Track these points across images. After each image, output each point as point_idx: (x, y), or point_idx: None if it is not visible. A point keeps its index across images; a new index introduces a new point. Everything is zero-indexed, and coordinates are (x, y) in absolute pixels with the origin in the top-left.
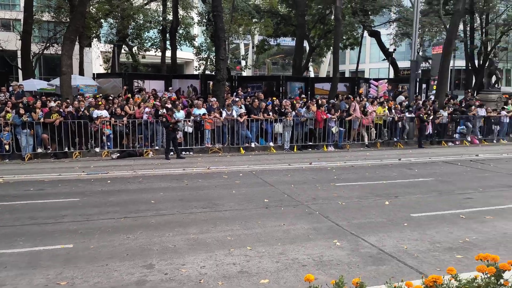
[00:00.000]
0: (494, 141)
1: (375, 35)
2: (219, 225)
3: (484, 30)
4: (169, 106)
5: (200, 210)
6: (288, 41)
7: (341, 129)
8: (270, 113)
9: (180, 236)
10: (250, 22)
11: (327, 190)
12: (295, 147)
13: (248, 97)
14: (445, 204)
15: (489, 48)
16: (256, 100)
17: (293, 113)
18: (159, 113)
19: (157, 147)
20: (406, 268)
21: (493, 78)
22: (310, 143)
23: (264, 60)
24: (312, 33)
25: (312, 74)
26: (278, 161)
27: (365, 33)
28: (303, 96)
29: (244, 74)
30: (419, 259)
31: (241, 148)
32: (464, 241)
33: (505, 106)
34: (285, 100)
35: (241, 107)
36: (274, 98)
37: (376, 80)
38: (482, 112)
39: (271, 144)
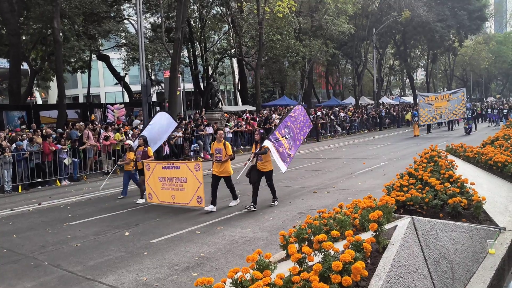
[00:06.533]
0: None
1: (104, 59)
2: None
3: (204, 57)
4: None
5: None
6: (4, 63)
7: (75, 159)
8: None
9: None
10: None
11: (59, 232)
12: (20, 187)
13: None
14: (182, 223)
15: (210, 73)
16: None
17: (13, 147)
18: None
19: None
20: None
21: (216, 99)
22: (40, 180)
23: None
24: (33, 54)
25: (39, 101)
26: None
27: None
28: (24, 127)
29: None
30: None
31: None
32: (200, 256)
33: (227, 123)
34: None
35: None
36: None
37: (112, 104)
38: (209, 130)
39: None
